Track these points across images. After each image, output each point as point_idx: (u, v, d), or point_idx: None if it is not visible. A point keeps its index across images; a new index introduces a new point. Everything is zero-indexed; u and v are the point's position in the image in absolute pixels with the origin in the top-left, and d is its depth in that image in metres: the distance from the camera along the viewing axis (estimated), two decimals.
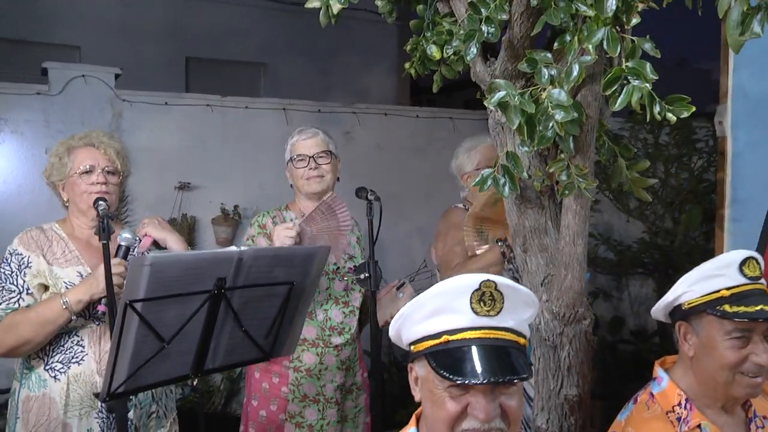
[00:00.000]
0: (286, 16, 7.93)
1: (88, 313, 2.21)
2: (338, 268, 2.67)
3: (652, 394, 1.72)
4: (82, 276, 2.23)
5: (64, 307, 2.09)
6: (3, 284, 2.17)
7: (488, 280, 1.26)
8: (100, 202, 2.10)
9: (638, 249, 5.76)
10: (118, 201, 2.40)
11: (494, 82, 1.59)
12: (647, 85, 1.36)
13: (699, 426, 1.64)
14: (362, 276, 2.36)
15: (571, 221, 1.73)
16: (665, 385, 1.71)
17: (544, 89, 1.52)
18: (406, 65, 2.23)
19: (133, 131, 4.91)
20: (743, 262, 1.61)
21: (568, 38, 1.59)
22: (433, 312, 1.30)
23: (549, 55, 1.58)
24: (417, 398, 1.38)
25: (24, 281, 2.18)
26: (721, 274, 1.62)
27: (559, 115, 1.46)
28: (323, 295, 2.64)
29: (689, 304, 1.66)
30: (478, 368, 1.24)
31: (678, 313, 1.68)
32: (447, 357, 1.27)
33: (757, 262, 1.63)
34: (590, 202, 1.74)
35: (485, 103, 1.82)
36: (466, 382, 1.23)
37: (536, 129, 1.52)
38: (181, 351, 1.91)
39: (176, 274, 1.78)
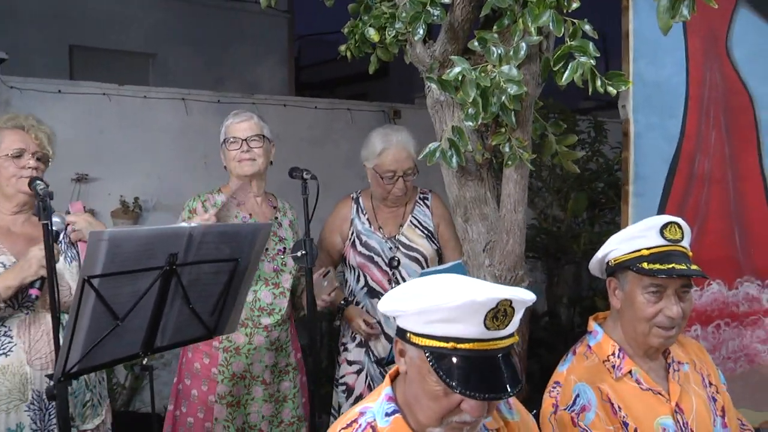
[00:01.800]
0: (176, 5, 7.75)
1: (16, 302, 2.13)
2: (267, 249, 2.70)
3: (589, 346, 1.91)
4: (5, 266, 2.15)
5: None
6: None
7: (505, 299, 1.31)
8: (38, 182, 2.03)
9: (529, 235, 6.12)
10: None
11: (451, 58, 1.72)
12: (591, 61, 1.53)
13: (630, 372, 1.84)
14: (299, 253, 2.41)
15: (512, 190, 1.89)
16: (600, 337, 1.90)
17: (493, 66, 1.65)
18: (341, 48, 2.32)
19: None
20: (665, 226, 1.81)
21: (506, 21, 1.75)
22: (446, 319, 1.32)
23: (496, 35, 1.72)
24: (402, 369, 1.43)
25: None
26: (643, 235, 1.82)
27: (512, 89, 1.60)
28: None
29: (615, 260, 1.86)
30: (480, 381, 1.30)
31: (608, 269, 1.88)
32: (450, 362, 1.32)
33: (679, 227, 1.83)
34: (528, 172, 1.90)
35: (427, 81, 1.94)
36: (468, 394, 1.30)
37: (489, 102, 1.65)
38: (133, 329, 1.90)
39: (131, 249, 1.77)
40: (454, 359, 1.32)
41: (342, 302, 2.90)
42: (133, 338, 1.93)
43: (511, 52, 1.64)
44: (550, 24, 1.58)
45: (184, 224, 1.91)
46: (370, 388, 2.90)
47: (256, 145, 2.71)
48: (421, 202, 3.02)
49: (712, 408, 1.94)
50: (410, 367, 1.41)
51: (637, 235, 1.83)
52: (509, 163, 1.82)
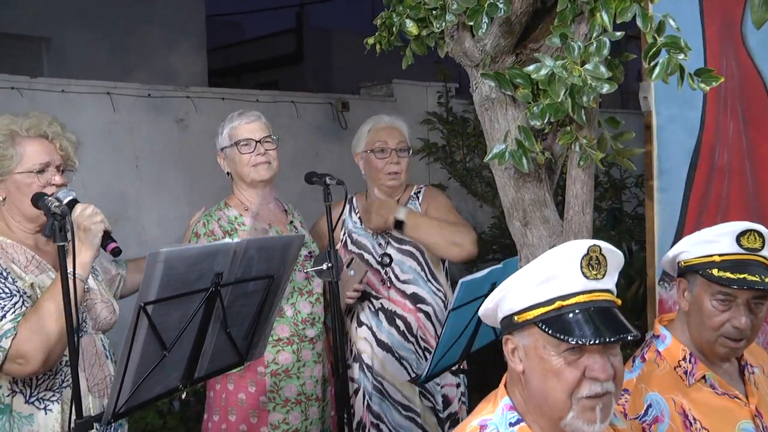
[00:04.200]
0: None
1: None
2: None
3: (658, 352, 2.06)
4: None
5: (72, 278, 1.94)
6: None
7: (595, 245, 1.48)
8: (47, 198, 1.98)
9: (490, 234, 6.34)
10: None
11: (536, 55, 1.82)
12: (686, 57, 1.68)
13: (704, 377, 2.00)
14: (324, 266, 2.47)
15: (579, 191, 2.02)
16: (669, 342, 2.06)
17: (576, 63, 1.78)
18: (369, 40, 2.38)
19: None
20: (743, 233, 1.95)
21: (569, 15, 1.88)
22: (543, 280, 1.48)
23: (572, 30, 1.84)
24: (519, 369, 1.54)
25: (15, 285, 2.01)
26: (717, 240, 1.96)
27: (603, 88, 1.73)
28: (287, 290, 2.70)
29: (685, 263, 2.02)
30: (596, 330, 1.44)
31: (678, 269, 2.04)
32: (562, 322, 1.46)
33: (760, 235, 1.95)
34: (594, 172, 2.04)
35: (481, 77, 2.05)
36: (591, 342, 1.43)
37: (576, 101, 1.77)
38: (175, 360, 1.92)
39: (183, 269, 1.79)
40: (564, 319, 1.46)
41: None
42: (174, 369, 1.94)
43: (593, 49, 1.77)
44: (637, 19, 1.72)
45: (228, 240, 1.94)
46: (369, 410, 2.99)
47: (270, 147, 2.76)
48: (415, 197, 3.16)
49: None
50: (527, 358, 1.52)
51: (711, 240, 1.97)
52: (581, 163, 1.96)
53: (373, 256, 3.02)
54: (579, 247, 1.48)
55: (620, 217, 5.91)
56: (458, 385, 3.10)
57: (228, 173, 2.83)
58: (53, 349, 1.97)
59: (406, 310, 3.00)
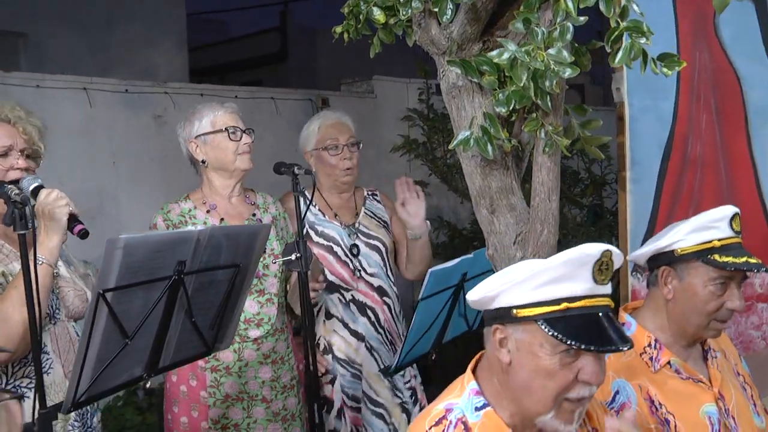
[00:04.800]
0: None
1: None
2: None
3: None
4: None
5: (41, 263, 1.97)
6: None
7: (607, 249, 1.49)
8: (8, 186, 1.98)
9: (471, 230, 6.35)
10: None
11: (499, 40, 1.83)
12: (649, 42, 1.69)
13: (669, 362, 2.02)
14: (293, 257, 2.46)
15: (546, 178, 2.03)
16: (634, 329, 2.07)
17: (540, 48, 1.79)
18: (337, 29, 2.38)
19: None
20: (732, 217, 2.00)
21: (535, 1, 1.88)
22: (554, 279, 1.47)
23: (537, 16, 1.85)
24: (505, 360, 1.53)
25: None
26: (715, 226, 2.00)
27: (565, 72, 1.74)
28: None
29: (682, 251, 2.01)
30: (599, 335, 1.46)
31: (664, 258, 2.03)
32: (566, 324, 1.46)
33: (739, 217, 2.03)
34: (560, 159, 2.05)
35: (447, 64, 2.06)
36: (599, 349, 1.45)
37: (538, 86, 1.78)
38: (139, 348, 1.91)
39: (144, 256, 1.78)
40: (567, 320, 1.47)
41: None
42: (138, 359, 1.94)
43: (557, 34, 1.77)
44: (600, 4, 1.73)
45: (191, 228, 1.94)
46: (348, 397, 2.99)
47: (251, 139, 2.75)
48: (371, 197, 3.26)
49: (746, 396, 2.15)
50: (517, 351, 1.52)
51: (708, 226, 2.00)
52: (547, 150, 1.96)
53: (342, 247, 3.05)
54: (594, 251, 1.48)
55: (601, 213, 5.91)
56: (415, 377, 3.14)
57: (203, 161, 2.79)
58: (23, 335, 1.96)
59: (374, 301, 3.04)
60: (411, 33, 2.27)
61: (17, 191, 1.94)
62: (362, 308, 3.02)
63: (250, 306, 2.72)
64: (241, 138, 2.76)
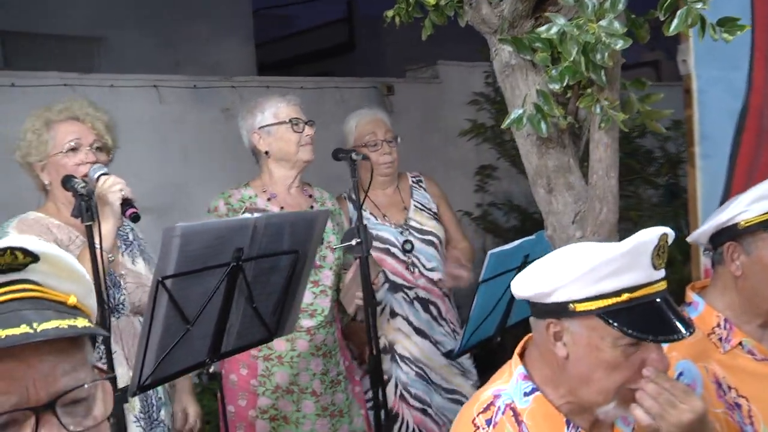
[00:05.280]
0: None
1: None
2: None
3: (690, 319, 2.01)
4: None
5: (100, 254, 2.02)
6: None
7: (664, 233, 1.45)
8: (75, 180, 2.06)
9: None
10: None
11: (548, 15, 1.80)
12: (705, 6, 1.63)
13: (740, 343, 1.94)
14: (353, 242, 2.48)
15: (603, 154, 1.98)
16: (702, 309, 2.00)
17: (591, 20, 1.74)
18: (388, 13, 2.38)
19: None
20: None
21: None
22: (615, 271, 1.43)
23: None
24: (561, 354, 1.49)
25: None
26: None
27: (617, 44, 1.69)
28: None
29: (746, 222, 1.92)
30: (663, 323, 1.43)
31: (727, 233, 1.95)
32: (629, 315, 1.43)
33: None
34: (618, 135, 2.00)
35: (499, 43, 2.03)
36: (660, 339, 1.42)
37: (589, 60, 1.73)
38: (201, 334, 1.96)
39: (201, 245, 1.83)
40: (629, 311, 1.43)
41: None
42: (201, 344, 1.99)
43: (608, 5, 1.73)
44: None
45: (248, 215, 1.97)
46: (403, 399, 2.99)
47: (312, 131, 2.80)
48: (417, 185, 3.28)
49: None
50: (574, 345, 1.48)
51: None
52: (602, 125, 1.92)
53: (397, 247, 3.08)
54: (652, 237, 1.44)
55: (677, 193, 5.74)
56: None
57: (266, 152, 2.83)
58: None
59: (435, 295, 3.08)
60: (462, 13, 2.25)
61: (83, 184, 2.03)
62: (425, 304, 3.05)
63: (305, 295, 2.74)
64: (303, 129, 2.79)
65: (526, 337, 1.66)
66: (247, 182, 2.87)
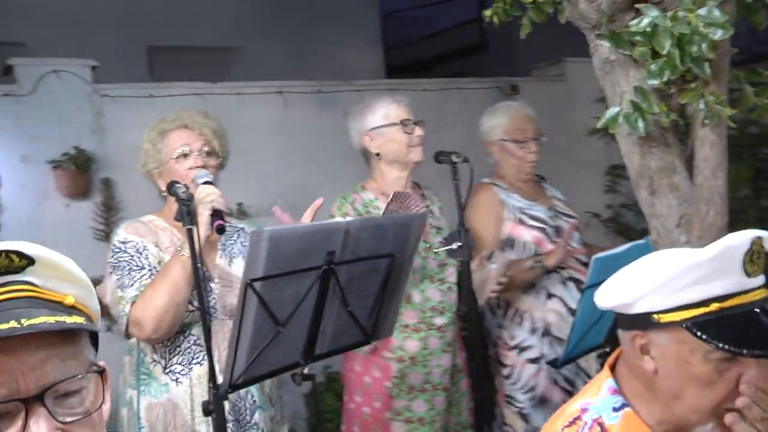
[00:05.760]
0: None
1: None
2: (430, 245, 2.77)
3: None
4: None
5: (182, 255, 2.16)
6: (128, 268, 2.24)
7: (758, 237, 1.33)
8: (177, 185, 2.16)
9: None
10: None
11: (640, 7, 1.71)
12: None
13: None
14: (454, 246, 2.46)
15: (709, 153, 1.87)
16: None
17: (686, 11, 1.64)
18: (486, 12, 2.35)
19: (117, 129, 4.93)
20: None
21: None
22: (700, 279, 1.32)
23: None
24: (650, 368, 1.40)
25: (148, 260, 2.27)
26: None
27: (716, 34, 1.59)
28: (417, 276, 2.74)
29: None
30: (761, 338, 1.29)
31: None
32: (720, 327, 1.31)
33: None
34: (726, 132, 1.88)
35: (596, 38, 1.95)
36: (757, 354, 1.28)
37: (686, 52, 1.64)
38: (293, 335, 1.99)
39: (291, 248, 1.86)
40: (720, 322, 1.31)
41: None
42: (294, 345, 2.02)
43: None
44: None
45: (339, 219, 1.99)
46: (554, 382, 2.94)
47: (422, 132, 2.83)
48: (543, 181, 3.30)
49: None
50: (663, 359, 1.38)
51: None
52: (706, 122, 1.81)
53: (550, 227, 3.06)
54: (742, 241, 1.32)
55: None
56: None
57: (377, 153, 2.86)
58: (162, 319, 2.17)
59: (584, 275, 2.99)
60: (562, 10, 2.19)
61: (184, 189, 2.12)
62: (579, 284, 2.99)
63: (434, 294, 2.77)
64: (413, 130, 2.79)
65: (618, 349, 1.58)
66: (362, 185, 2.89)
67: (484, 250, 2.79)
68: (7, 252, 0.97)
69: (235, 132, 5.26)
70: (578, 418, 1.47)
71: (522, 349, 2.99)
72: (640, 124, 1.81)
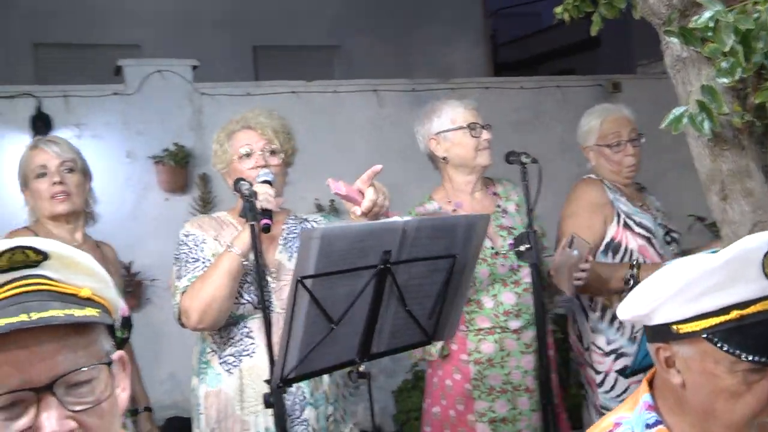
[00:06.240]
0: None
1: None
2: (497, 251, 2.73)
3: None
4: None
5: (230, 250, 2.24)
6: (185, 260, 2.35)
7: None
8: (242, 182, 2.23)
9: None
10: (284, 182, 2.54)
11: (699, 1, 1.64)
12: None
13: None
14: (522, 248, 2.42)
15: None
16: None
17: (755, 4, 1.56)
18: (557, 9, 2.30)
19: (215, 126, 5.05)
20: None
21: None
22: (716, 285, 1.25)
23: None
24: (676, 382, 1.34)
25: (203, 253, 2.36)
26: None
27: None
28: (486, 282, 2.71)
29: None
30: None
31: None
32: (742, 336, 1.24)
33: None
34: None
35: (664, 36, 1.87)
36: None
37: (753, 49, 1.55)
38: (348, 333, 2.01)
39: (344, 247, 1.87)
40: (743, 330, 1.24)
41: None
42: (349, 343, 2.04)
43: None
44: None
45: (397, 219, 1.99)
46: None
47: (490, 135, 2.79)
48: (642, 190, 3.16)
49: None
50: (688, 372, 1.32)
51: None
52: None
53: (658, 239, 2.96)
54: (759, 243, 1.24)
55: None
56: None
57: (444, 158, 2.84)
58: (206, 311, 2.24)
59: None
60: (636, 5, 2.11)
61: (247, 186, 2.18)
62: None
63: (508, 297, 2.73)
64: (481, 134, 2.77)
65: None
66: (430, 195, 2.89)
67: (564, 237, 2.70)
68: (22, 248, 1.03)
69: (330, 129, 5.45)
70: None
71: (619, 356, 2.88)
72: (706, 125, 1.72)
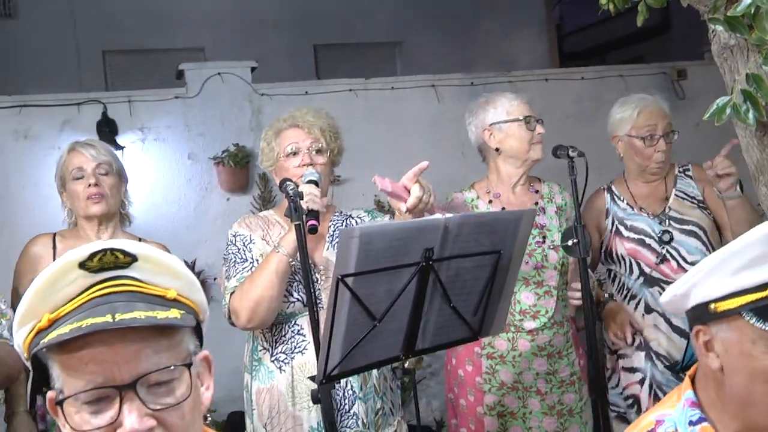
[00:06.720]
0: None
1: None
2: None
3: None
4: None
5: (278, 251, 2.30)
6: (234, 261, 2.42)
7: None
8: (288, 182, 2.27)
9: None
10: (330, 181, 2.57)
11: None
12: None
13: None
14: (570, 242, 2.40)
15: None
16: None
17: None
18: (602, 1, 2.26)
19: None
20: None
21: None
22: (754, 261, 1.24)
23: None
24: (715, 366, 1.33)
25: (251, 252, 2.42)
26: None
27: None
28: None
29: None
30: None
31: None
32: None
33: None
34: None
35: (709, 23, 1.83)
36: None
37: None
38: (392, 330, 2.03)
39: (384, 245, 1.89)
40: None
41: (606, 296, 2.88)
42: (393, 340, 2.06)
43: None
44: None
45: (438, 216, 2.00)
46: (657, 398, 2.81)
47: (543, 129, 2.79)
48: (683, 175, 3.03)
49: None
50: (726, 355, 1.30)
51: None
52: None
53: (654, 239, 2.89)
54: None
55: None
56: None
57: (497, 149, 2.84)
58: (254, 310, 2.30)
59: None
60: None
61: (293, 187, 2.22)
62: None
63: (527, 297, 2.73)
64: (535, 128, 2.76)
65: None
66: (472, 184, 2.89)
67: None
68: (113, 250, 1.09)
69: (389, 126, 5.46)
70: (653, 430, 1.40)
71: (620, 357, 2.95)
72: (751, 115, 1.68)
